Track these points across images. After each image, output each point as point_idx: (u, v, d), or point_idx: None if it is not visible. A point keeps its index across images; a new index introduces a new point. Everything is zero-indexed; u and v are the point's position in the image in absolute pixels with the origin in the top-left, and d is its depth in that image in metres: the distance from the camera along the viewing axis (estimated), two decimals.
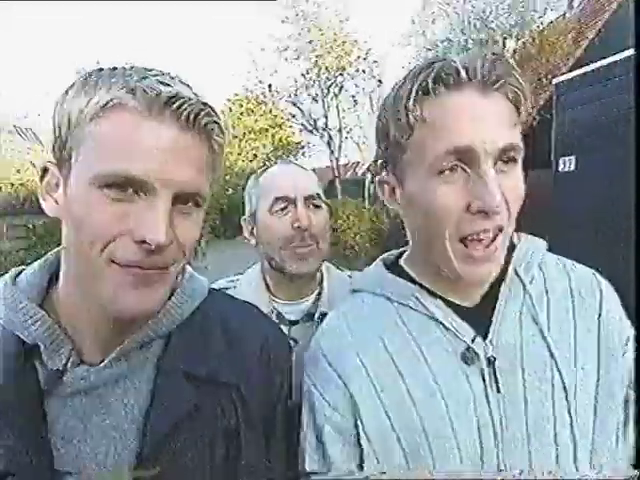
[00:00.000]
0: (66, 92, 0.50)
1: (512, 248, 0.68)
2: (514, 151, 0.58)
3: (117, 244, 0.48)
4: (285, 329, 0.98)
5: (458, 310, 0.65)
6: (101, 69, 0.50)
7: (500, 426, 0.61)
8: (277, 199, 0.98)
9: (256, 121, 18.16)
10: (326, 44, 13.09)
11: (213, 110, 0.51)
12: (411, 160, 0.61)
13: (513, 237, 0.69)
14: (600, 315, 0.66)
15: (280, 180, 1.02)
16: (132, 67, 0.50)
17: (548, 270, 0.69)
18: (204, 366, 0.60)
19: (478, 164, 0.56)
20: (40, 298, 0.56)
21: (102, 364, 0.55)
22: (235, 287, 1.09)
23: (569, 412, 0.61)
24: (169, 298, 0.60)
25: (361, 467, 0.65)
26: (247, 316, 0.71)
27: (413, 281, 0.69)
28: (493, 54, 0.58)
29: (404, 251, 0.75)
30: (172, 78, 0.50)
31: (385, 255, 0.77)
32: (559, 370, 0.61)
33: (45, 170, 0.52)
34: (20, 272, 0.59)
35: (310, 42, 13.08)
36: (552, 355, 0.62)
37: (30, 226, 9.27)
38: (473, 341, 0.63)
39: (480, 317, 0.64)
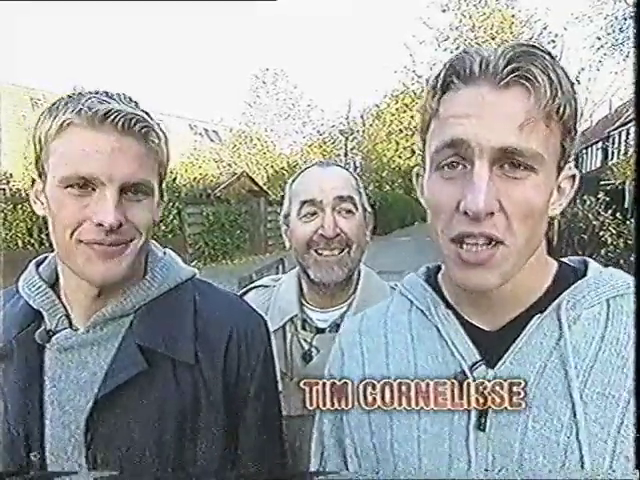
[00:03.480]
0: (39, 118, 0.64)
1: (575, 278, 0.59)
2: (524, 157, 0.51)
3: (82, 228, 0.61)
4: (309, 336, 0.97)
5: (475, 332, 0.60)
6: (62, 97, 0.64)
7: (479, 460, 0.56)
8: (303, 202, 0.95)
9: (412, 117, 17.79)
10: (491, 29, 12.00)
11: (147, 118, 0.64)
12: (425, 154, 0.60)
13: (584, 265, 0.62)
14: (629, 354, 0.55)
15: (308, 182, 0.98)
16: (81, 93, 0.64)
17: (616, 314, 0.56)
18: (162, 343, 0.68)
19: (472, 161, 0.52)
20: (53, 277, 0.73)
21: (81, 330, 0.69)
22: (275, 287, 1.08)
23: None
24: (144, 274, 0.73)
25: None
26: (223, 306, 0.77)
27: (437, 291, 0.65)
28: (521, 44, 0.53)
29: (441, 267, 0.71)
30: (111, 97, 0.63)
31: (428, 265, 0.73)
32: (578, 436, 0.52)
33: (33, 181, 0.67)
34: (45, 258, 0.76)
35: (472, 28, 12.18)
36: (575, 415, 0.52)
37: (204, 214, 10.84)
38: (473, 366, 0.57)
39: (497, 344, 0.58)
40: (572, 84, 0.53)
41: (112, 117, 0.60)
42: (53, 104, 0.63)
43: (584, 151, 24.79)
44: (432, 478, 0.58)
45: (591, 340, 0.55)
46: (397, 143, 19.24)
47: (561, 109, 0.51)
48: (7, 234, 7.41)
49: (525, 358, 0.56)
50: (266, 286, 1.08)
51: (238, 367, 0.73)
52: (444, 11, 12.62)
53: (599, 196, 6.78)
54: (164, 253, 0.78)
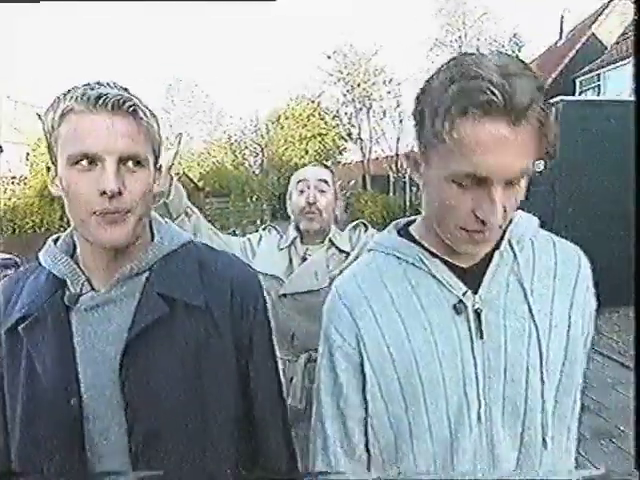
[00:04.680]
0: (43, 116, 0.73)
1: (509, 222, 0.74)
2: (526, 175, 0.63)
3: (90, 199, 0.69)
4: (303, 248, 1.49)
5: (455, 269, 0.73)
6: (61, 93, 0.72)
7: (482, 366, 0.70)
8: (298, 182, 1.51)
9: (305, 126, 22.59)
10: (357, 76, 17.11)
11: (133, 98, 0.71)
12: (436, 158, 0.65)
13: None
14: (575, 286, 0.74)
15: (301, 172, 1.55)
16: (76, 85, 0.71)
17: (538, 243, 0.76)
18: (178, 291, 0.77)
19: (490, 186, 0.61)
20: (70, 249, 0.81)
21: (104, 290, 0.77)
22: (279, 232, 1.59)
23: (540, 360, 0.70)
24: (152, 239, 0.82)
25: (365, 399, 0.76)
26: (222, 260, 0.86)
27: (418, 244, 0.77)
28: (535, 78, 0.59)
29: (413, 220, 0.84)
30: (102, 84, 0.71)
31: (396, 222, 0.86)
32: (536, 325, 0.70)
33: (48, 168, 0.76)
34: (59, 237, 0.85)
35: (348, 74, 17.19)
36: (531, 312, 0.70)
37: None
38: (464, 295, 0.71)
39: (473, 276, 0.73)
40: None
41: (103, 99, 0.68)
42: (54, 100, 0.71)
43: None
44: (447, 374, 0.70)
45: (531, 262, 0.75)
46: (293, 144, 23.76)
47: (549, 136, 0.62)
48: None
49: (495, 281, 0.72)
50: (277, 230, 1.60)
51: (241, 312, 0.82)
52: (329, 57, 17.46)
53: None
54: (165, 222, 0.88)
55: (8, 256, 6.08)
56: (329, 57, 17.60)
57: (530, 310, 0.71)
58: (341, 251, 1.47)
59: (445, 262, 0.74)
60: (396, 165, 17.94)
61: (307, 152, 23.28)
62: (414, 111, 0.69)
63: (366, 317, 0.75)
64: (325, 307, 0.81)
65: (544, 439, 0.72)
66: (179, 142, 1.38)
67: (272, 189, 20.25)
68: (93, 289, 0.78)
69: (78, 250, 0.80)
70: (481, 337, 0.70)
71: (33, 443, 0.77)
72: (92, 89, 0.69)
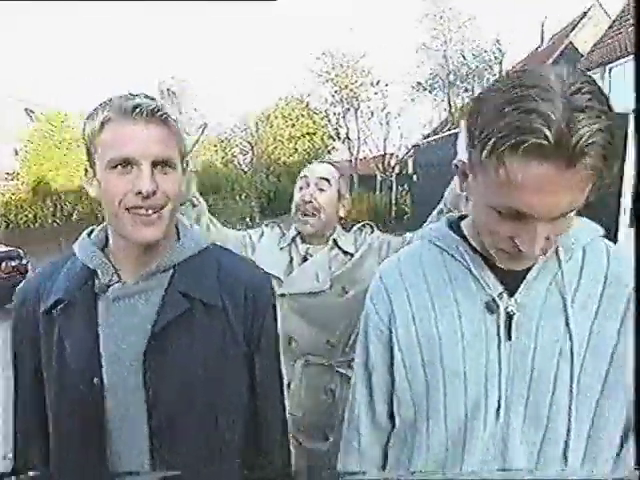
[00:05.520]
0: (84, 124, 0.80)
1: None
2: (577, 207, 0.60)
3: (126, 198, 0.76)
4: (304, 247, 1.44)
5: (496, 269, 0.72)
6: (98, 105, 0.79)
7: (507, 368, 0.69)
8: (300, 178, 1.47)
9: (294, 125, 23.03)
10: (345, 77, 17.63)
11: (164, 109, 0.79)
12: (481, 179, 0.62)
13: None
14: (629, 302, 0.68)
15: (306, 168, 1.51)
16: (112, 97, 0.79)
17: (592, 254, 0.72)
18: (198, 291, 0.84)
19: (532, 222, 0.59)
20: (102, 243, 0.88)
21: (131, 282, 0.83)
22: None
23: (571, 374, 0.67)
24: (177, 239, 0.88)
25: (392, 375, 0.80)
26: (238, 264, 0.94)
27: (465, 239, 0.76)
28: (601, 113, 0.53)
29: (466, 215, 0.82)
30: (135, 95, 0.78)
31: (450, 215, 0.86)
32: (571, 338, 0.67)
33: (86, 170, 0.83)
34: (93, 230, 0.91)
35: (336, 76, 17.70)
36: (568, 325, 0.67)
37: None
38: (499, 295, 0.70)
39: (514, 279, 0.71)
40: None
41: (138, 109, 0.75)
42: (91, 112, 0.79)
43: None
44: (469, 368, 0.71)
45: (577, 272, 0.71)
46: (282, 143, 24.12)
47: (604, 172, 0.56)
48: None
49: (534, 287, 0.70)
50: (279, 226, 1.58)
51: (252, 314, 0.87)
52: (318, 58, 17.87)
53: None
54: (190, 225, 0.95)
55: (12, 248, 6.32)
56: (318, 58, 18.11)
57: (567, 322, 0.68)
58: (345, 252, 1.42)
59: (487, 261, 0.73)
60: (383, 165, 18.42)
61: (296, 150, 23.66)
62: (468, 120, 0.64)
63: (400, 299, 0.79)
64: (371, 285, 0.86)
65: (565, 455, 0.70)
66: (202, 131, 1.36)
67: (261, 187, 20.62)
68: (121, 281, 0.84)
69: (110, 243, 0.86)
70: (509, 339, 0.70)
71: (59, 417, 0.84)
72: (128, 100, 0.77)
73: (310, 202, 1.41)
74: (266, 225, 1.59)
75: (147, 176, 0.76)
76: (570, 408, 0.68)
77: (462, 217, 0.83)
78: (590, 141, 0.53)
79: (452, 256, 0.77)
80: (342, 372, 1.39)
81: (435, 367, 0.74)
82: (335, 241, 1.45)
